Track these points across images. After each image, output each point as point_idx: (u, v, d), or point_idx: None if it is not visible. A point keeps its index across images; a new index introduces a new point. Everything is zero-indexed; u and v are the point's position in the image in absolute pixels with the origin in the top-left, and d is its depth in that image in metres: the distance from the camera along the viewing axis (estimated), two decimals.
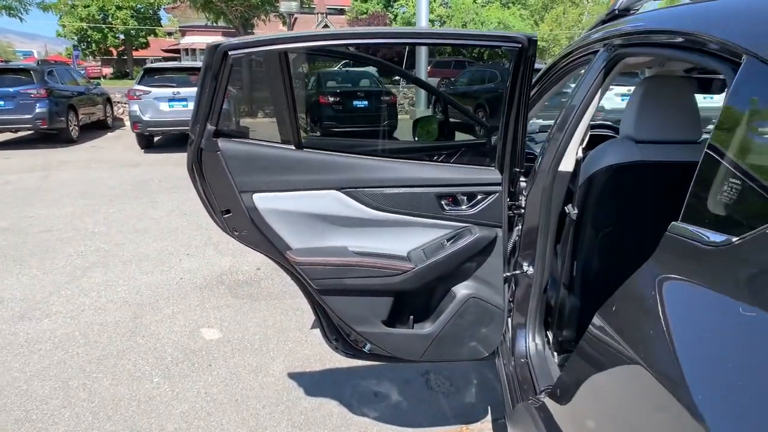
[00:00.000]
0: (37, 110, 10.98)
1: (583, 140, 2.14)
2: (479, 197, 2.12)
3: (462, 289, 2.21)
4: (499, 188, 2.11)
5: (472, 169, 2.15)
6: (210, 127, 1.87)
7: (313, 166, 2.01)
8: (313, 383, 3.21)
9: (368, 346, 2.34)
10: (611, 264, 2.02)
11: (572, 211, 2.23)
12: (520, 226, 2.33)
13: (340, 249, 2.13)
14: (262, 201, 1.98)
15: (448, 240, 2.16)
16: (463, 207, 2.13)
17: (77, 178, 8.64)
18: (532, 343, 2.44)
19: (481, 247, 2.12)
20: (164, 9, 42.20)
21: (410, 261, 2.13)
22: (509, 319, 2.37)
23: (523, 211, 2.31)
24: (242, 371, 3.35)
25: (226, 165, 1.92)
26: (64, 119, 11.58)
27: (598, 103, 2.10)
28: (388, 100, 12.02)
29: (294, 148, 2.01)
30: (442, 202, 2.11)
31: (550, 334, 2.57)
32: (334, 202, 2.04)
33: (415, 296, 2.25)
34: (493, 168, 2.14)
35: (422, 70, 12.56)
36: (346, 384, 3.23)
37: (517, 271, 2.37)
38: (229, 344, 3.68)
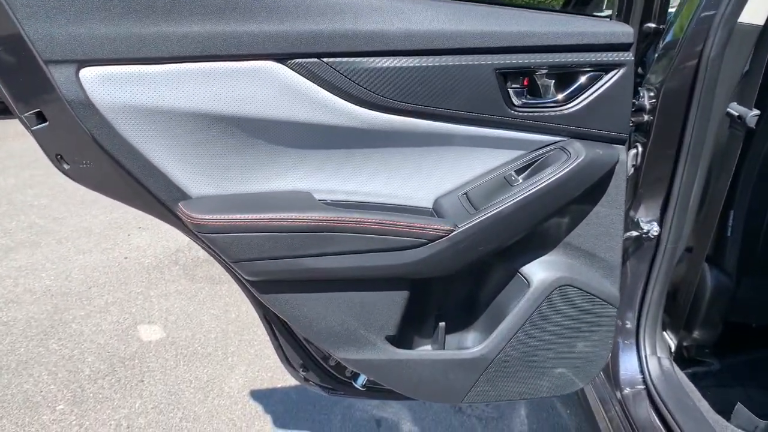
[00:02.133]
0: None
1: None
2: (584, 79, 1.04)
3: (543, 271, 1.16)
4: (626, 57, 1.03)
5: (584, 20, 1.06)
6: None
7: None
8: (286, 407, 2.19)
9: (361, 377, 1.28)
10: None
11: (750, 113, 1.15)
12: (640, 146, 1.26)
13: (295, 196, 1.08)
14: (108, 87, 0.91)
15: (517, 171, 1.09)
16: (554, 98, 1.06)
17: (31, 147, 7.54)
18: (652, 357, 1.37)
19: (586, 185, 1.05)
20: None
21: (441, 216, 1.08)
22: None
23: (646, 117, 1.23)
24: (186, 389, 2.32)
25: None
26: None
27: None
28: None
29: None
30: (511, 89, 1.03)
31: (670, 338, 1.50)
32: (275, 90, 0.99)
33: (451, 286, 1.20)
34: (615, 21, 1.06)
35: None
36: (334, 408, 2.20)
37: (632, 233, 1.30)
38: (173, 347, 2.64)
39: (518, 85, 1.09)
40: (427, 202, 1.17)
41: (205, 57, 0.94)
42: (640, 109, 1.29)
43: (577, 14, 1.14)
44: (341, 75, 1.00)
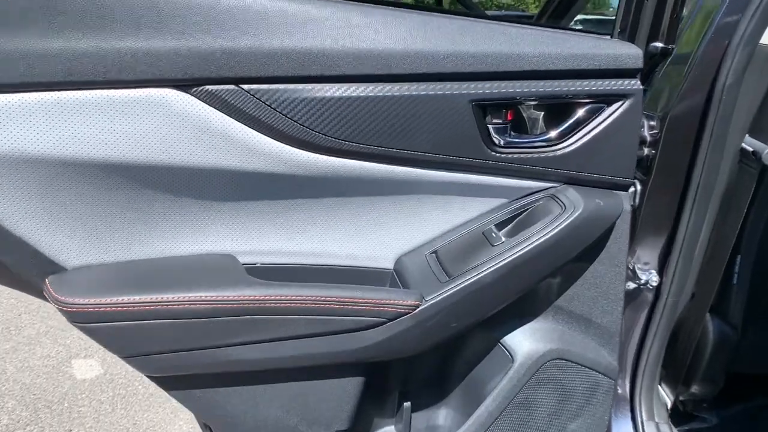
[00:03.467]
0: None
1: None
2: (582, 112, 0.82)
3: (529, 342, 0.95)
4: (634, 86, 0.82)
5: (581, 39, 0.84)
6: None
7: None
8: None
9: None
10: None
11: (767, 148, 0.97)
12: (639, 184, 1.07)
13: (212, 262, 0.84)
14: None
15: (498, 226, 0.87)
16: (545, 136, 0.84)
17: None
18: (649, 424, 1.20)
19: (583, 244, 0.84)
20: None
21: (404, 280, 0.85)
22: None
23: (646, 151, 1.04)
24: None
25: None
26: None
27: None
28: None
29: None
30: (491, 125, 0.82)
31: (665, 392, 1.33)
32: (175, 126, 0.73)
33: (418, 359, 0.98)
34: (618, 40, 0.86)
35: None
36: None
37: (631, 281, 1.11)
38: (111, 387, 2.36)
39: (500, 120, 0.87)
40: (387, 262, 0.95)
41: (73, 83, 0.68)
42: (639, 141, 1.10)
43: (573, 31, 0.92)
44: (269, 107, 0.76)
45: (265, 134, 0.77)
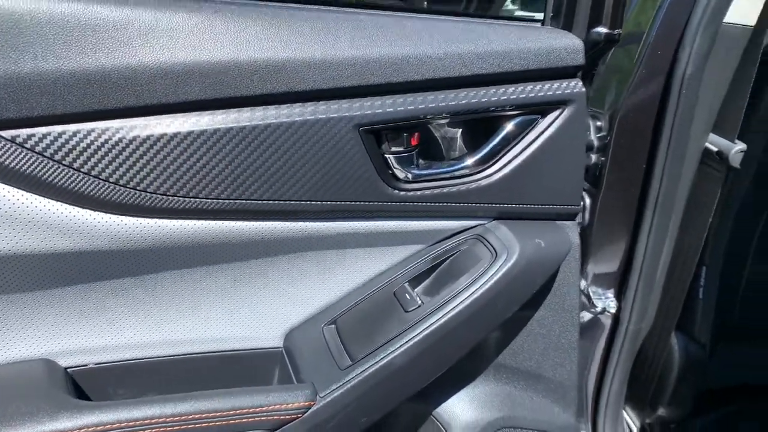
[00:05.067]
0: None
1: None
2: (511, 127, 0.61)
3: (469, 412, 0.75)
4: (575, 89, 0.61)
5: (504, 31, 0.62)
6: None
7: None
8: None
9: None
10: None
11: (734, 147, 0.78)
12: (587, 197, 0.87)
13: (14, 374, 0.59)
14: None
15: (413, 283, 0.64)
16: (463, 163, 0.62)
17: None
18: None
19: (524, 296, 0.63)
20: None
21: (295, 363, 0.63)
22: None
23: (594, 158, 0.85)
24: None
25: None
26: None
27: None
28: None
29: None
30: (391, 154, 0.58)
31: (631, 417, 1.18)
32: None
33: None
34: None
35: None
36: None
37: (583, 314, 0.92)
38: None
39: (402, 148, 0.64)
40: (273, 341, 0.72)
41: None
42: (586, 148, 0.90)
43: (494, 19, 0.70)
44: (53, 161, 0.51)
45: (65, 202, 0.53)
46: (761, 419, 1.29)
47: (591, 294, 0.99)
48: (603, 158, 0.89)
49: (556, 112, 0.66)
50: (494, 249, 0.66)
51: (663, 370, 1.11)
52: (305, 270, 0.69)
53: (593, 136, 0.91)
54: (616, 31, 0.74)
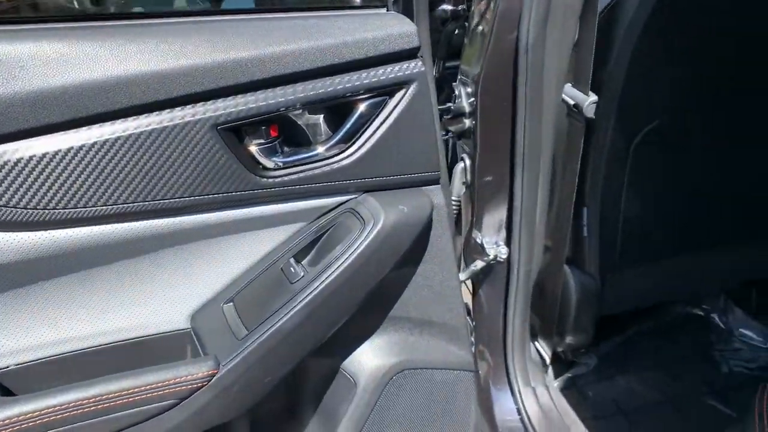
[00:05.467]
0: None
1: None
2: (364, 108, 0.69)
3: (370, 361, 0.86)
4: (414, 68, 0.69)
5: (343, 22, 0.70)
6: None
7: None
8: None
9: None
10: (665, 200, 1.15)
11: (587, 99, 0.89)
12: (467, 159, 0.98)
13: None
14: None
15: (297, 257, 0.74)
16: (327, 145, 0.70)
17: None
18: (526, 390, 1.17)
19: (395, 256, 0.73)
20: None
21: (202, 341, 0.75)
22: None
23: (468, 123, 0.93)
24: None
25: None
26: None
27: None
28: None
29: None
30: (255, 146, 0.67)
31: (542, 347, 1.32)
32: None
33: (259, 412, 0.87)
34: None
35: None
36: None
37: (478, 263, 1.04)
38: None
39: (264, 139, 0.72)
40: (181, 323, 0.80)
41: None
42: (459, 114, 0.98)
43: (336, 9, 0.76)
44: None
45: None
46: (655, 338, 1.45)
47: (484, 244, 1.10)
48: (475, 121, 0.98)
49: (402, 92, 0.74)
50: (363, 219, 0.75)
51: (563, 303, 1.24)
52: (201, 257, 0.77)
53: (464, 102, 1.00)
54: (461, 7, 0.81)
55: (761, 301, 1.45)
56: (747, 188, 1.19)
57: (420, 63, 0.74)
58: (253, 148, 0.71)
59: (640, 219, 1.16)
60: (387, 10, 0.78)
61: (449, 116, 0.98)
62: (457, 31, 0.94)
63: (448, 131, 1.00)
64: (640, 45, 0.94)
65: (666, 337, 1.47)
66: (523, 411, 1.18)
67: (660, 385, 1.36)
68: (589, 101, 0.95)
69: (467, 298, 1.27)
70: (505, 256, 1.08)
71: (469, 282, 1.16)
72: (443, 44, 0.92)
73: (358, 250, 0.74)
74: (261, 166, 0.72)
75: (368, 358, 0.90)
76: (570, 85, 1.00)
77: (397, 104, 0.74)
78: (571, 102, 0.98)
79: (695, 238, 1.24)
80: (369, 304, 0.86)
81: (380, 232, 0.74)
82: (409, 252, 0.80)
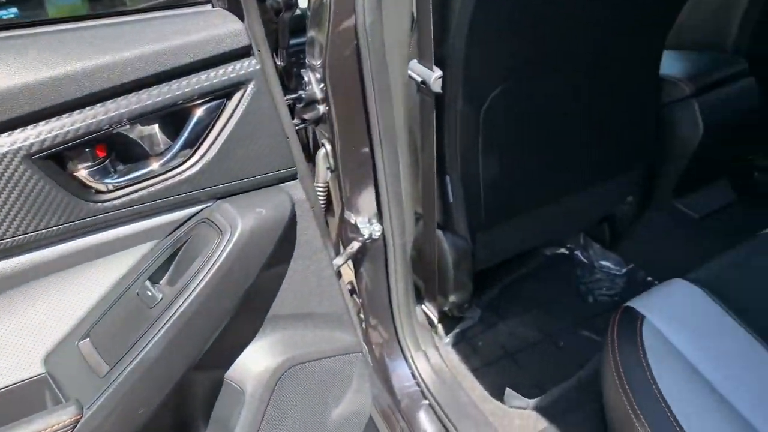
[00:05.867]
0: None
1: None
2: (202, 114, 0.65)
3: (257, 365, 0.85)
4: (248, 68, 0.66)
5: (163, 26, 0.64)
6: None
7: None
8: None
9: None
10: (519, 159, 1.22)
11: (432, 75, 0.93)
12: (327, 144, 0.98)
13: None
14: None
15: (153, 278, 0.70)
16: (166, 158, 0.66)
17: None
18: (418, 354, 1.24)
19: (260, 260, 0.72)
20: None
21: (59, 384, 0.71)
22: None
23: (323, 109, 0.93)
24: None
25: None
26: None
27: None
28: None
29: None
30: (84, 170, 0.61)
31: (429, 309, 1.40)
32: None
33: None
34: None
35: None
36: None
37: (354, 244, 1.07)
38: None
39: (90, 162, 0.66)
40: (34, 369, 0.73)
41: None
42: (312, 101, 0.97)
43: (156, 11, 0.71)
44: None
45: None
46: (528, 281, 1.59)
47: (359, 225, 1.12)
48: (328, 107, 0.98)
49: (240, 93, 0.71)
50: (219, 228, 0.72)
51: (440, 266, 1.30)
52: (47, 295, 0.70)
53: (316, 89, 0.98)
54: None
55: (613, 234, 1.62)
56: (590, 137, 1.31)
57: (254, 61, 0.71)
58: (81, 173, 0.64)
59: (500, 180, 1.23)
60: (212, 7, 0.74)
61: (302, 104, 0.96)
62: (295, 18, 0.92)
63: (303, 120, 0.98)
64: (476, 16, 0.97)
65: (538, 279, 1.61)
66: (417, 375, 1.24)
67: (538, 323, 1.49)
68: (434, 76, 0.98)
69: (352, 278, 1.29)
70: (379, 233, 1.11)
71: (350, 263, 1.18)
72: (283, 33, 0.89)
73: (219, 262, 0.71)
74: (92, 191, 0.66)
75: (253, 363, 0.89)
76: (416, 61, 1.02)
77: (236, 106, 0.71)
78: (419, 78, 1.00)
79: (552, 188, 1.34)
80: (243, 310, 0.84)
81: (239, 239, 0.72)
82: (275, 253, 0.79)
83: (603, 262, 1.63)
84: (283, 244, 0.82)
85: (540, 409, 1.15)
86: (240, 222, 0.72)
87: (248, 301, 0.84)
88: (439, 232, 1.27)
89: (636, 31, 1.19)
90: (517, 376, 1.34)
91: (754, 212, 1.63)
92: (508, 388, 1.23)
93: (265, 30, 0.76)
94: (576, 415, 1.13)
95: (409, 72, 0.99)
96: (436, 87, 0.98)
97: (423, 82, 1.00)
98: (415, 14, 0.96)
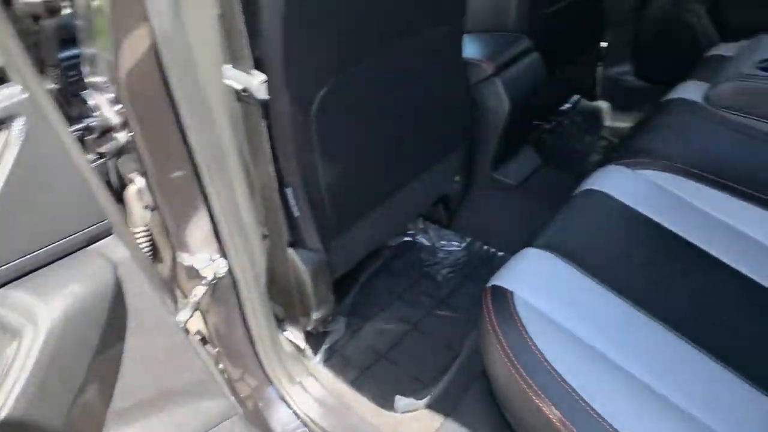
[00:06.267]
0: None
1: None
2: None
3: None
4: (14, 98, 0.46)
5: None
6: None
7: None
8: None
9: None
10: (356, 158, 1.16)
11: (253, 80, 0.81)
12: (139, 177, 0.78)
13: None
14: None
15: None
16: None
17: None
18: (292, 387, 1.13)
19: (91, 338, 0.52)
20: None
21: None
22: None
23: (124, 137, 0.74)
24: None
25: None
26: None
27: None
28: None
29: None
30: None
31: (293, 333, 1.31)
32: None
33: None
34: None
35: None
36: None
37: (197, 291, 0.90)
38: None
39: None
40: None
41: None
42: (107, 129, 0.76)
43: None
44: None
45: None
46: (382, 276, 1.57)
47: (197, 267, 0.95)
48: (132, 133, 0.78)
49: (4, 135, 0.51)
50: (11, 329, 0.51)
51: (299, 286, 1.18)
52: None
53: (109, 113, 0.78)
54: None
55: (447, 212, 1.69)
56: (416, 125, 1.32)
57: (18, 88, 0.51)
58: None
59: (342, 182, 1.16)
60: None
61: (95, 135, 0.75)
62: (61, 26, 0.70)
63: (100, 154, 0.77)
64: (288, 12, 0.87)
65: (390, 272, 1.60)
66: (299, 411, 1.12)
67: (401, 315, 1.48)
68: (256, 81, 0.85)
69: (201, 326, 1.10)
70: (225, 269, 0.96)
71: (197, 313, 1.00)
72: (49, 45, 0.68)
73: (23, 378, 0.50)
74: None
75: None
76: (230, 66, 0.88)
77: (1, 153, 0.50)
78: (239, 86, 0.86)
79: (392, 181, 1.32)
80: (75, 417, 0.63)
81: (49, 337, 0.52)
82: (105, 335, 0.60)
83: (443, 242, 1.68)
84: (113, 322, 0.62)
85: (431, 406, 1.13)
86: (43, 312, 0.52)
87: (79, 406, 0.63)
88: (291, 251, 1.16)
89: (438, 15, 1.21)
90: (396, 375, 1.31)
91: (557, 172, 1.85)
92: (397, 396, 1.18)
93: (23, 44, 0.56)
94: (466, 401, 1.13)
95: (224, 80, 0.85)
96: (261, 93, 0.86)
97: (244, 90, 0.86)
98: (219, 11, 0.81)
